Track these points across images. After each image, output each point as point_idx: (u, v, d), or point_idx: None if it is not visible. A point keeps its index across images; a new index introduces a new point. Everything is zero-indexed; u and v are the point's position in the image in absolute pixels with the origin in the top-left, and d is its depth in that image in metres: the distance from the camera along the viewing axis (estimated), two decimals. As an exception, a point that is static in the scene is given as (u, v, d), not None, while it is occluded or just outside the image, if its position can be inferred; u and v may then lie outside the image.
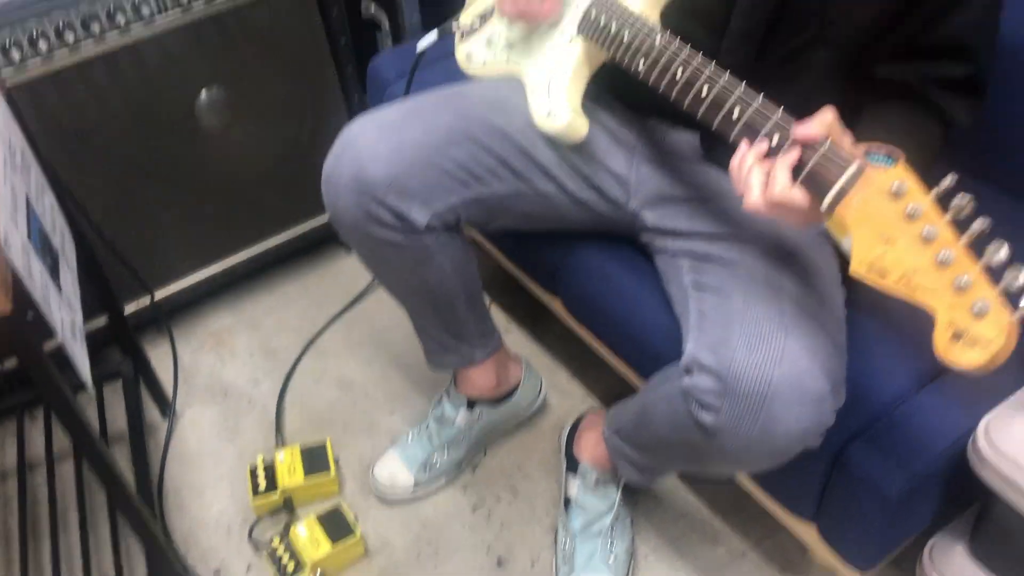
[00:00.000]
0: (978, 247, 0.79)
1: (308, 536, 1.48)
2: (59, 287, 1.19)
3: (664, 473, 1.47)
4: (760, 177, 0.92)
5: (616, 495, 1.46)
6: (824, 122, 0.90)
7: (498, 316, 1.90)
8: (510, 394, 1.59)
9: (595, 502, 1.45)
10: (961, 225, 0.80)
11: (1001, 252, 0.77)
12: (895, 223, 0.82)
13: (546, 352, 1.84)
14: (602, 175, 1.29)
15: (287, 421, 1.74)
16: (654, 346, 1.30)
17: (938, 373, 1.21)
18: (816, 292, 1.11)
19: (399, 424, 1.72)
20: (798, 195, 0.89)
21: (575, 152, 1.28)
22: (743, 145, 0.95)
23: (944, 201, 0.81)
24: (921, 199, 0.82)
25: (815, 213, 0.90)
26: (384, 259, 1.29)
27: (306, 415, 1.75)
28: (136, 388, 1.65)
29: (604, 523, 1.44)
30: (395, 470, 1.57)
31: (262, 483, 1.58)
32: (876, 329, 1.23)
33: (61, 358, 1.11)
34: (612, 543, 1.43)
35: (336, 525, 1.50)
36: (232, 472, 1.66)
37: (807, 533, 1.30)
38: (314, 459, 1.60)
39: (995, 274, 0.77)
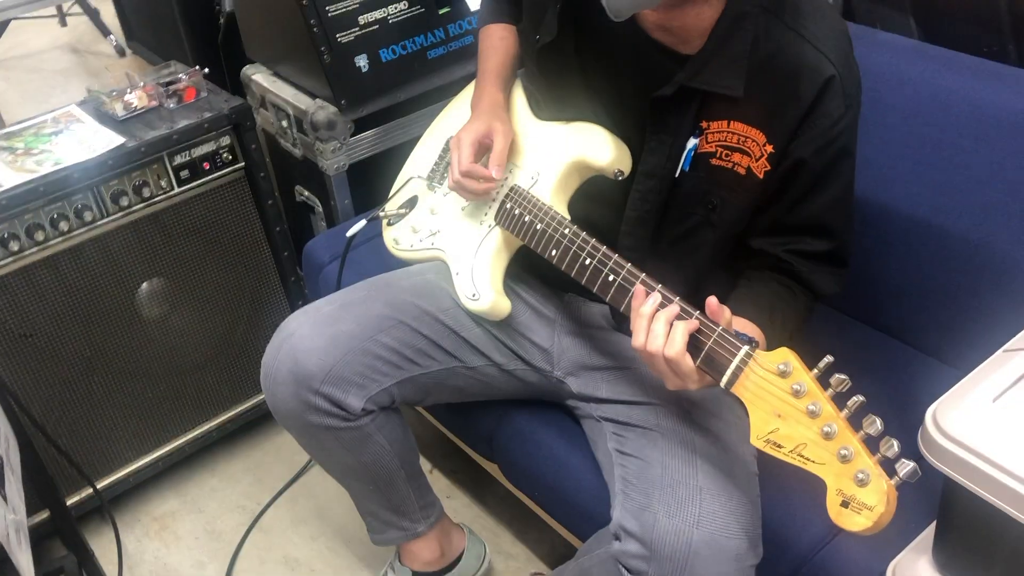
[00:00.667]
0: (855, 421, 0.89)
1: None
2: (3, 495, 1.22)
3: None
4: (663, 328, 1.01)
5: None
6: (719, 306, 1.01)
7: (439, 481, 1.95)
8: (454, 564, 1.61)
9: None
10: (840, 399, 0.90)
11: (876, 424, 0.87)
12: (784, 399, 0.92)
13: (489, 514, 1.88)
14: (527, 347, 1.39)
15: None
16: (586, 509, 1.36)
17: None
18: (730, 451, 1.19)
19: None
20: (688, 362, 0.99)
21: (500, 328, 1.37)
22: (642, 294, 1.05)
23: (824, 379, 0.91)
24: (804, 377, 0.92)
25: (706, 380, 1.00)
26: (322, 445, 1.34)
27: None
28: (80, 584, 1.64)
29: None
30: None
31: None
32: (788, 480, 1.31)
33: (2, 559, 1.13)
34: None
35: None
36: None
37: None
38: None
39: (872, 444, 0.87)
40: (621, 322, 1.32)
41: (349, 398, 1.27)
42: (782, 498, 1.28)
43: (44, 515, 1.74)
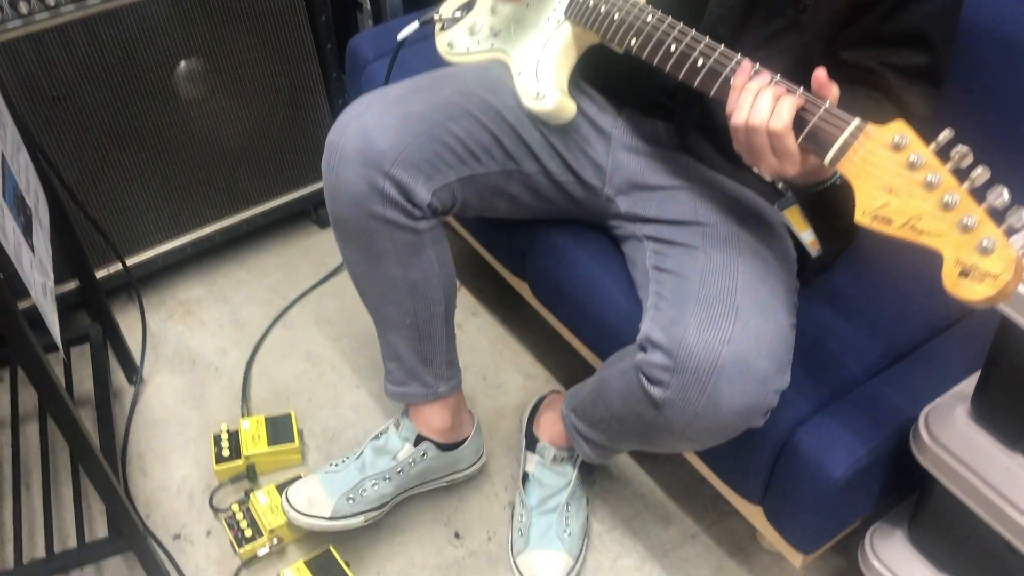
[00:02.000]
0: (979, 194, 0.83)
1: (268, 504, 1.51)
2: (32, 247, 1.21)
3: (617, 451, 1.50)
4: (769, 102, 0.95)
5: (573, 473, 1.49)
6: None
7: (467, 299, 1.93)
8: (457, 445, 1.53)
9: (552, 478, 1.49)
10: (961, 175, 0.84)
11: (1003, 195, 0.81)
12: (897, 173, 0.87)
13: (512, 334, 1.87)
14: (581, 160, 1.33)
15: (253, 392, 1.76)
16: (612, 328, 1.33)
17: (886, 364, 1.25)
18: (769, 279, 1.15)
19: (365, 399, 1.74)
20: (791, 139, 0.94)
21: (558, 135, 1.31)
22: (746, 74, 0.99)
23: (943, 153, 0.85)
24: (922, 150, 0.86)
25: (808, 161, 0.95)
26: (375, 247, 1.27)
27: (272, 386, 1.77)
28: (104, 352, 1.66)
29: (560, 499, 1.47)
30: (314, 495, 1.43)
31: (226, 450, 1.60)
32: (829, 320, 1.28)
33: (31, 319, 1.13)
34: (567, 520, 1.47)
35: (297, 494, 1.52)
36: (196, 439, 1.68)
37: (755, 516, 1.34)
38: (278, 429, 1.62)
39: (998, 216, 0.81)
40: (684, 136, 1.25)
41: (417, 186, 1.21)
42: (818, 337, 1.26)
43: (72, 284, 1.75)
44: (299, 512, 1.42)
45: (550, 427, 1.52)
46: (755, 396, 1.06)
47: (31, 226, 1.24)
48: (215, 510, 1.56)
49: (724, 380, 1.04)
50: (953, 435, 1.09)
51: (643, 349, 1.11)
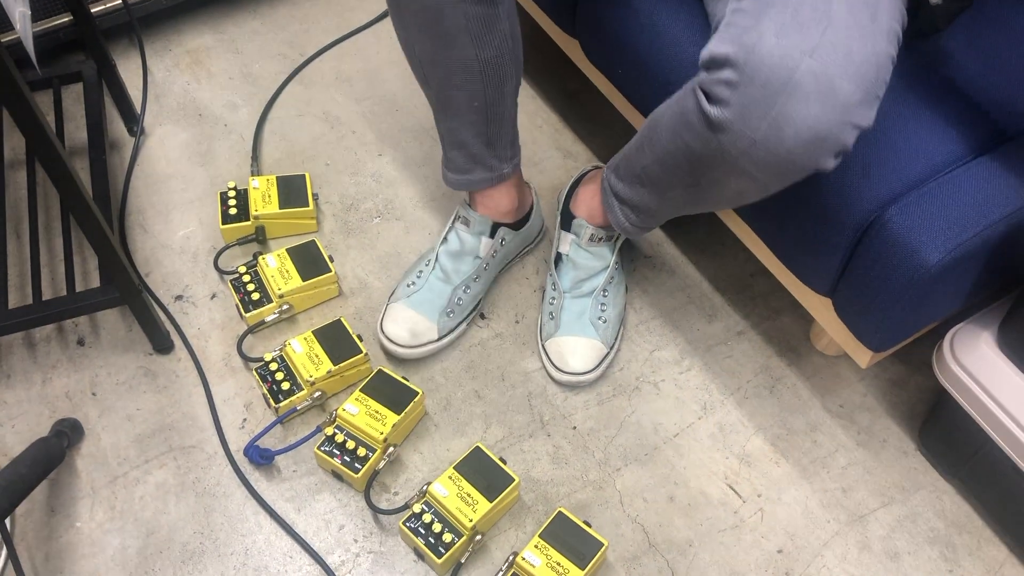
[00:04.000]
0: None
1: (277, 267, 1.37)
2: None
3: (656, 218, 1.24)
4: None
5: (611, 257, 1.35)
6: None
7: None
8: (527, 218, 1.43)
9: (588, 259, 1.33)
10: None
11: None
12: None
13: (553, 110, 1.68)
14: None
15: (264, 151, 1.60)
16: (673, 83, 1.14)
17: (998, 142, 1.06)
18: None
19: (387, 167, 1.58)
20: None
21: None
22: None
23: None
24: None
25: None
26: (442, 26, 1.08)
27: (286, 147, 1.60)
28: (99, 93, 1.48)
29: (596, 283, 1.33)
30: (414, 324, 1.32)
31: (233, 209, 1.45)
32: (934, 90, 1.08)
33: (18, 58, 0.97)
34: (603, 306, 1.33)
35: (309, 260, 1.39)
36: (202, 197, 1.53)
37: (820, 310, 1.20)
38: (291, 190, 1.47)
39: None
40: None
41: None
42: (919, 108, 1.06)
43: (65, 19, 1.56)
44: (409, 347, 1.33)
45: (588, 201, 1.35)
46: (829, 123, 0.86)
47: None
48: (220, 272, 1.43)
49: (797, 98, 0.84)
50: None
51: (706, 68, 0.91)
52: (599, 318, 1.32)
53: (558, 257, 1.37)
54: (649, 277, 1.45)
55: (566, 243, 1.35)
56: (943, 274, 0.98)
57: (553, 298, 1.35)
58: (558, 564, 1.12)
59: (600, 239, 1.33)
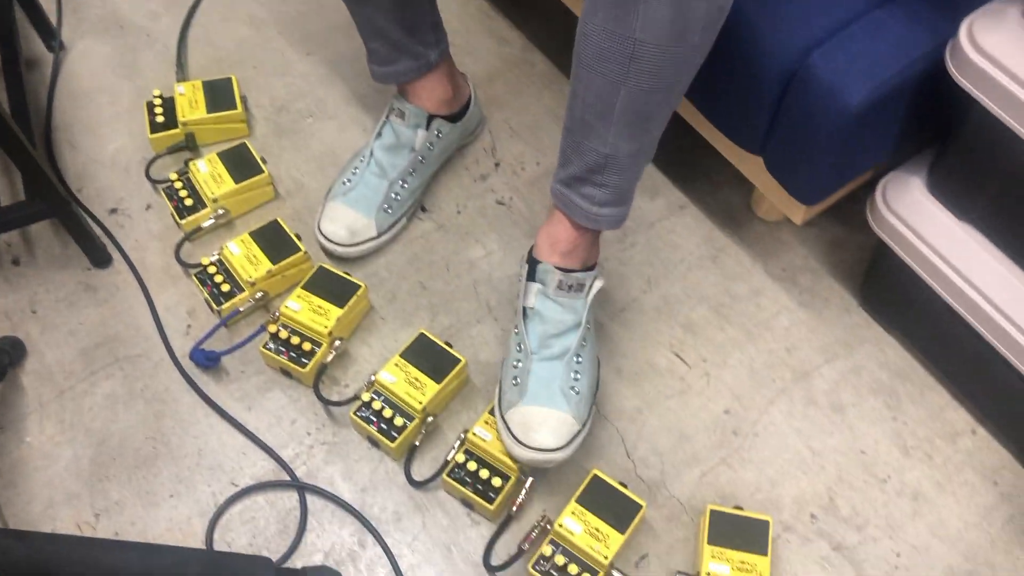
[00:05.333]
0: None
1: (209, 172, 1.35)
2: None
3: (619, 164, 1.04)
4: None
5: (584, 310, 1.14)
6: None
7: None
8: (464, 110, 1.40)
9: (558, 311, 1.13)
10: None
11: None
12: None
13: (484, -3, 1.64)
14: None
15: (190, 59, 1.56)
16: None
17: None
18: None
19: (316, 66, 1.55)
20: None
21: None
22: None
23: None
24: None
25: None
26: None
27: (211, 53, 1.56)
28: (8, 8, 1.43)
29: (567, 343, 1.13)
30: (351, 222, 1.30)
31: (160, 117, 1.42)
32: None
33: None
34: (576, 374, 1.12)
35: (241, 163, 1.36)
36: (129, 110, 1.49)
37: (754, 172, 1.20)
38: (218, 95, 1.43)
39: None
40: None
41: None
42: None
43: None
44: (347, 245, 1.31)
45: (548, 232, 1.14)
46: None
47: None
48: (153, 182, 1.40)
49: None
50: (1002, 44, 0.91)
51: None
52: (572, 388, 1.11)
53: (524, 313, 1.16)
54: (589, 158, 1.44)
55: (532, 294, 1.14)
56: (867, 116, 0.98)
57: (518, 361, 1.13)
58: (597, 530, 1.07)
59: (570, 287, 1.12)
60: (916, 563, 1.11)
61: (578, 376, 1.12)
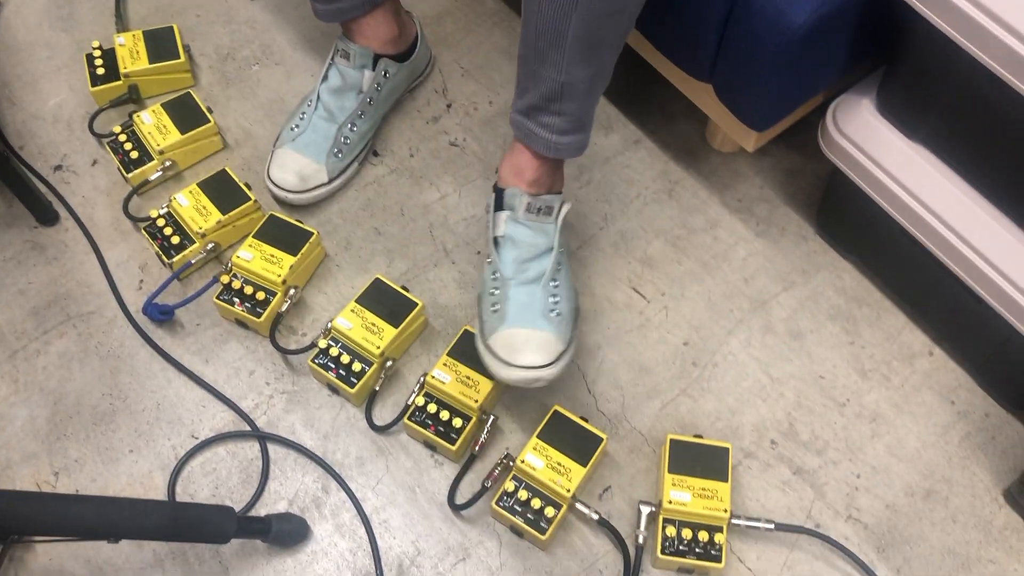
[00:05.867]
0: None
1: (154, 123, 1.32)
2: None
3: (576, 92, 1.03)
4: None
5: (555, 233, 1.12)
6: None
7: None
8: (412, 49, 1.37)
9: (529, 235, 1.11)
10: None
11: None
12: None
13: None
14: None
15: (130, 9, 1.51)
16: None
17: None
18: None
19: (261, 12, 1.51)
20: None
21: None
22: None
23: None
24: None
25: None
26: None
27: (151, 2, 1.52)
28: (-63, -40, 1.39)
29: (542, 266, 1.11)
30: (301, 168, 1.28)
31: (100, 70, 1.38)
32: None
33: None
34: (554, 297, 1.10)
35: (186, 113, 1.33)
36: (69, 64, 1.46)
37: (705, 101, 1.19)
38: (160, 44, 1.40)
39: None
40: None
41: None
42: None
43: None
44: (297, 192, 1.29)
45: (511, 162, 1.13)
46: None
47: None
48: (97, 136, 1.37)
49: None
50: None
51: None
52: (552, 311, 1.09)
53: (495, 242, 1.13)
54: (542, 96, 1.42)
55: (501, 222, 1.12)
56: (812, 36, 0.97)
57: (495, 289, 1.11)
58: (559, 464, 1.07)
59: (539, 209, 1.10)
60: (875, 483, 1.12)
61: (557, 299, 1.10)
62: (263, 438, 1.15)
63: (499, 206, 1.13)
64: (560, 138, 1.07)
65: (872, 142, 1.09)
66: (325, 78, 1.30)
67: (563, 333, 1.08)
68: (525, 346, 1.05)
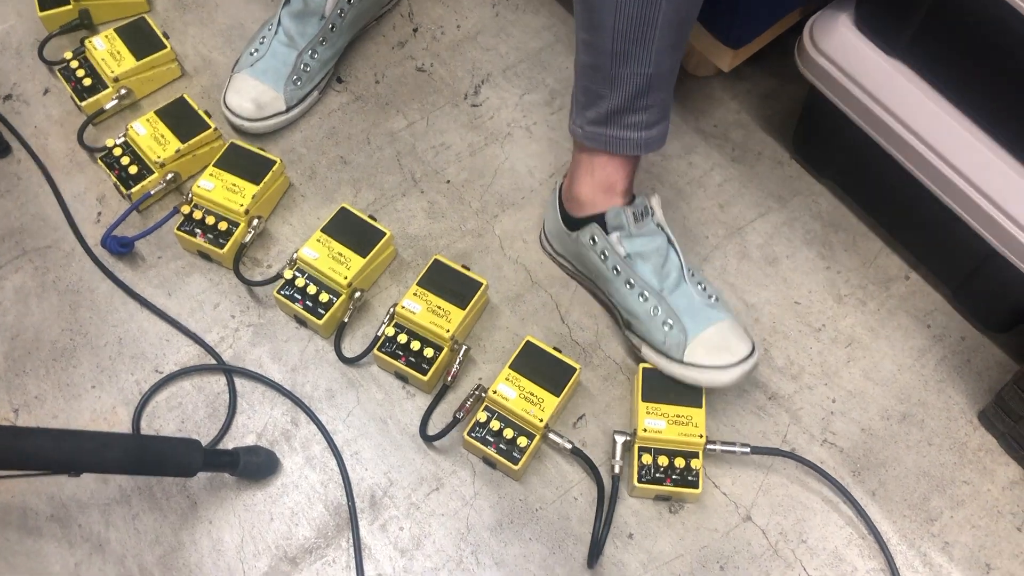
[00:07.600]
0: None
1: (107, 49, 1.26)
2: None
3: (654, 84, 0.97)
4: None
5: (664, 228, 1.08)
6: None
7: None
8: None
9: (647, 242, 1.06)
10: None
11: None
12: None
13: None
14: None
15: (80, -69, 1.44)
16: None
17: None
18: None
19: (218, -65, 1.45)
20: None
21: None
22: None
23: None
24: None
25: None
26: None
27: (103, -76, 1.45)
28: None
29: (675, 263, 1.07)
30: (258, 95, 1.24)
31: (49, -7, 1.32)
32: None
33: None
34: (701, 284, 1.08)
35: (141, 39, 1.28)
36: (16, -10, 1.39)
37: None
38: (111, -34, 1.34)
39: None
40: None
41: None
42: None
43: None
44: (253, 120, 1.25)
45: (599, 183, 1.06)
46: None
47: None
48: (48, 64, 1.32)
49: None
50: None
51: None
52: (710, 296, 1.07)
53: (619, 269, 1.07)
54: (511, 19, 1.38)
55: (619, 245, 1.06)
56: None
57: (655, 309, 1.05)
58: (531, 395, 1.05)
59: (642, 214, 1.05)
60: (851, 407, 1.11)
61: (702, 284, 1.07)
62: (229, 372, 1.13)
63: (604, 229, 1.06)
64: (648, 132, 1.01)
65: (850, 58, 1.06)
66: (287, 2, 1.25)
67: (730, 309, 1.08)
68: (724, 342, 1.03)
